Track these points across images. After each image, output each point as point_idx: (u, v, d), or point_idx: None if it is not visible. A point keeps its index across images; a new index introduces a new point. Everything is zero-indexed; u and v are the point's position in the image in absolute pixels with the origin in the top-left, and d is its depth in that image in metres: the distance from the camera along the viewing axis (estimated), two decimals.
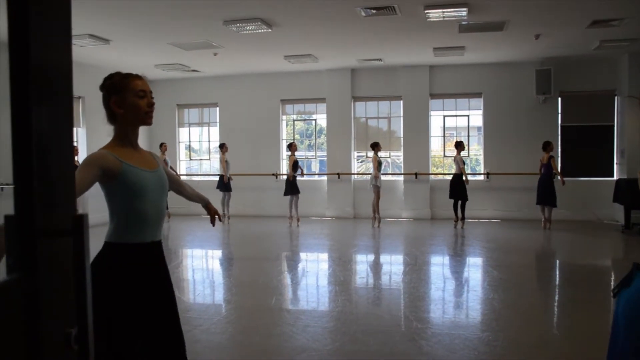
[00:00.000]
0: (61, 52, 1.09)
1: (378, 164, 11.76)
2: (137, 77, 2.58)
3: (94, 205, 12.25)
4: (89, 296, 1.06)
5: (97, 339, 1.95)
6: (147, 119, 2.60)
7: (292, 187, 12.17)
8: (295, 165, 12.14)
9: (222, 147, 12.82)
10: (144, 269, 2.55)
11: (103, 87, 2.56)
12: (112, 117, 2.58)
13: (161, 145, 13.28)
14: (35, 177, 0.99)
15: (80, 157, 11.92)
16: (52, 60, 1.06)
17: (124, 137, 2.58)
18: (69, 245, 1.05)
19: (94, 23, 8.96)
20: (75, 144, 12.08)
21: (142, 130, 14.60)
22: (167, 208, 13.47)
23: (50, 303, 1.04)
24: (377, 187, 11.76)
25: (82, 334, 1.05)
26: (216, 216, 3.48)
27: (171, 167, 13.46)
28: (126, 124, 2.56)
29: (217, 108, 14.90)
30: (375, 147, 11.81)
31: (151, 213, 2.59)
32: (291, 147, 12.23)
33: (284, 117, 14.60)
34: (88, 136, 12.62)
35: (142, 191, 2.53)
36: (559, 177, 11.22)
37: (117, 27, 9.22)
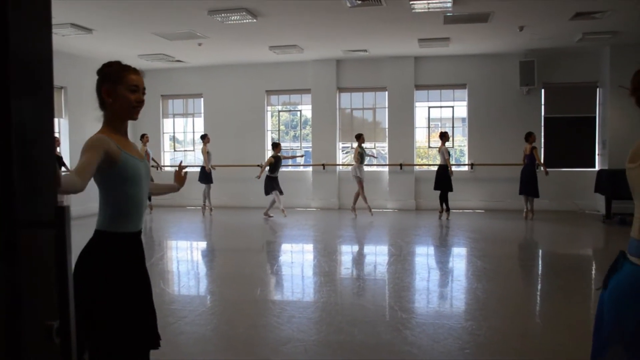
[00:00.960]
0: (41, 40, 1.07)
1: (359, 155, 11.77)
2: (135, 71, 2.61)
3: (76, 196, 12.05)
4: (71, 289, 1.05)
5: (86, 325, 2.08)
6: (133, 114, 2.63)
7: (271, 185, 11.89)
8: (276, 164, 11.80)
9: (204, 138, 12.74)
10: (134, 256, 2.63)
11: (100, 72, 2.62)
12: (102, 104, 2.62)
13: (142, 136, 13.15)
14: (16, 168, 0.98)
15: (63, 149, 11.80)
16: (32, 50, 1.04)
17: (116, 125, 2.60)
18: (51, 237, 1.04)
19: (76, 12, 8.83)
20: (57, 135, 11.95)
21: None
22: (150, 200, 13.47)
23: (31, 296, 1.03)
24: (358, 178, 11.79)
25: (64, 327, 1.04)
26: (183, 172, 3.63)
27: (153, 159, 13.32)
28: (113, 113, 2.59)
29: (202, 99, 14.80)
30: (358, 138, 11.83)
31: (143, 202, 2.65)
32: (276, 147, 11.98)
33: (269, 108, 14.55)
34: (70, 127, 12.47)
35: (137, 180, 2.56)
36: (542, 167, 11.34)
37: (99, 16, 9.10)
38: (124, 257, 2.56)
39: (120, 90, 2.53)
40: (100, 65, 2.65)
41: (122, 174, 2.50)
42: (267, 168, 11.79)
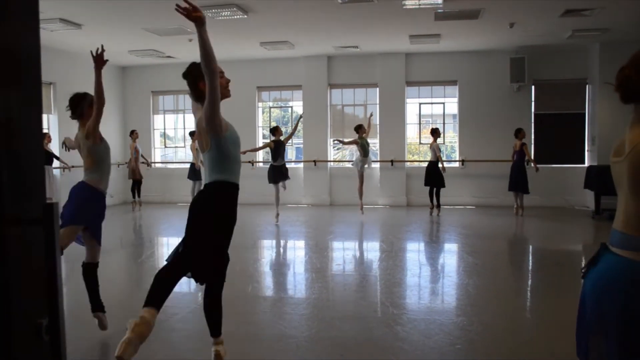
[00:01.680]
0: (28, 35, 1.05)
1: (361, 148, 11.26)
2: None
3: (66, 194, 12.00)
4: (60, 286, 1.04)
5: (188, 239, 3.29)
6: (227, 93, 3.60)
7: (273, 175, 10.83)
8: (277, 150, 10.65)
9: (193, 134, 12.68)
10: (235, 203, 3.46)
11: (194, 71, 3.46)
12: (199, 97, 3.39)
13: (132, 132, 13.09)
14: (3, 165, 0.97)
15: (53, 145, 11.70)
16: (19, 45, 1.03)
17: None
18: (40, 234, 1.03)
19: (65, 7, 8.76)
20: (46, 131, 11.86)
21: (116, 117, 14.36)
22: (140, 196, 13.40)
23: (20, 293, 1.02)
24: (359, 172, 11.35)
25: (54, 325, 1.03)
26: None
27: (142, 156, 13.25)
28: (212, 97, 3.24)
29: None
30: (359, 129, 11.39)
31: (239, 161, 3.50)
32: (276, 131, 10.77)
33: (260, 104, 14.51)
34: (60, 123, 12.38)
35: (238, 142, 3.44)
36: (532, 164, 11.39)
37: (88, 11, 9.03)
38: (234, 199, 3.42)
39: (213, 80, 3.21)
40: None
41: (230, 138, 3.33)
42: (271, 156, 10.83)
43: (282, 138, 10.81)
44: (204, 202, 3.35)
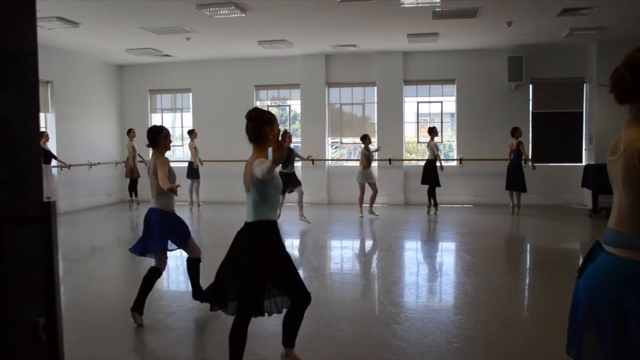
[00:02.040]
0: (25, 34, 1.05)
1: (366, 159, 11.06)
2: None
3: (63, 192, 11.94)
4: (58, 285, 1.04)
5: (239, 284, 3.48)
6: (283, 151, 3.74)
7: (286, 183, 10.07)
8: (287, 157, 9.74)
9: (191, 133, 12.66)
10: (278, 238, 3.73)
11: (257, 119, 3.66)
12: (258, 139, 3.65)
13: (129, 131, 13.07)
14: (0, 164, 0.96)
15: (51, 144, 11.68)
16: (16, 43, 1.03)
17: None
18: (37, 232, 1.03)
19: (62, 5, 8.73)
20: (44, 129, 11.84)
21: (114, 116, 14.31)
22: (137, 195, 13.36)
23: (18, 292, 1.02)
24: (360, 184, 11.23)
25: (51, 323, 1.03)
26: None
27: (139, 155, 13.22)
28: (268, 144, 3.64)
29: (190, 94, 14.72)
30: (364, 139, 11.22)
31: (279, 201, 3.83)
32: (285, 136, 10.76)
33: (258, 102, 14.49)
34: (57, 122, 12.36)
35: (280, 187, 3.71)
36: (529, 162, 11.41)
37: (86, 9, 9.00)
38: (277, 236, 3.70)
39: (275, 128, 3.65)
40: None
41: (274, 182, 3.62)
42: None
43: (293, 148, 10.53)
44: (252, 243, 3.60)
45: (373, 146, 12.23)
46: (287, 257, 3.76)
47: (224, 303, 3.70)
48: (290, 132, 10.74)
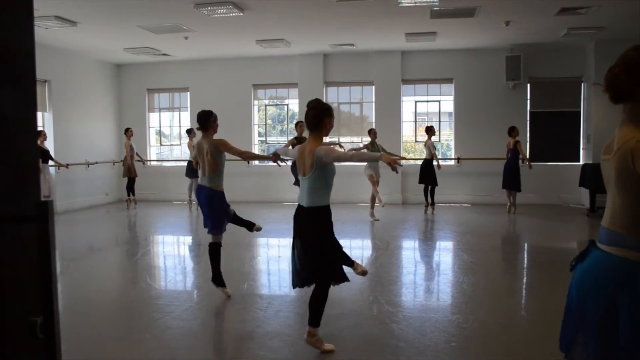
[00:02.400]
0: (23, 33, 1.05)
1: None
2: None
3: (61, 191, 11.92)
4: (55, 284, 1.04)
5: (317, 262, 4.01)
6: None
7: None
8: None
9: (190, 132, 12.64)
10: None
11: (318, 109, 4.14)
12: (317, 128, 4.09)
13: (126, 130, 13.06)
14: None
15: (48, 143, 11.66)
16: (13, 42, 1.02)
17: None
18: (34, 232, 1.03)
19: (60, 4, 8.72)
20: (42, 129, 11.82)
21: (112, 115, 14.28)
22: (134, 194, 13.34)
23: (15, 291, 1.02)
24: (370, 176, 10.86)
25: (48, 323, 1.03)
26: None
27: (137, 154, 13.20)
28: (324, 133, 4.13)
29: (188, 93, 14.71)
30: (369, 133, 11.09)
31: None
32: (298, 127, 10.58)
33: (256, 102, 14.49)
34: (55, 121, 12.34)
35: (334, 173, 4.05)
36: (526, 162, 11.42)
37: (84, 8, 8.99)
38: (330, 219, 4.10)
39: (332, 121, 4.16)
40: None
41: (332, 169, 4.02)
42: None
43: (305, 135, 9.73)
44: (320, 225, 4.03)
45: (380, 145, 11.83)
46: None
47: (305, 283, 4.13)
48: (303, 122, 10.33)
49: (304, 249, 4.03)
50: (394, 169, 3.78)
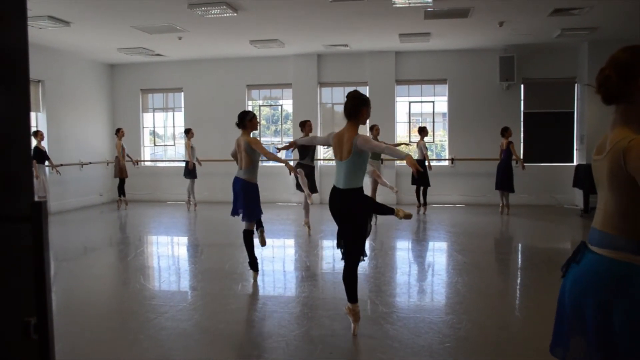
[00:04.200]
0: (16, 33, 1.05)
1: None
2: None
3: (54, 192, 11.86)
4: (49, 284, 1.03)
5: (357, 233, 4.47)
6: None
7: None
8: (307, 147, 9.14)
9: (188, 132, 12.62)
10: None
11: (358, 98, 4.61)
12: (356, 116, 4.52)
13: (117, 130, 13.02)
14: None
15: (45, 143, 11.60)
16: (6, 42, 1.02)
17: None
18: (28, 232, 1.02)
19: (53, 4, 8.69)
20: (39, 129, 11.79)
21: (105, 115, 14.22)
22: (124, 195, 13.31)
23: (8, 292, 1.01)
24: (374, 173, 10.56)
25: (42, 323, 1.02)
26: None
27: (128, 155, 13.15)
28: (361, 121, 4.65)
29: (182, 93, 14.68)
30: (372, 130, 10.84)
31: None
32: (304, 126, 9.45)
33: (250, 102, 14.48)
34: (48, 121, 12.30)
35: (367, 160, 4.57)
36: (519, 162, 11.45)
37: (77, 8, 8.96)
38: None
39: (369, 112, 4.69)
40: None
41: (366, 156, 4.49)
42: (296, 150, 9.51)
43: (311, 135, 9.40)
44: (357, 205, 4.43)
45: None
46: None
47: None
48: (311, 121, 9.61)
49: (347, 227, 4.50)
50: (414, 173, 4.07)
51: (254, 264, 6.26)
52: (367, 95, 13.44)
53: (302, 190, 9.02)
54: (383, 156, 13.31)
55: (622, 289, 2.01)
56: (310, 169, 9.20)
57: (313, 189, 9.23)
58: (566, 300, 2.25)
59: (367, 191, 11.38)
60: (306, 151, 9.15)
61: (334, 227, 10.00)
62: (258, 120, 6.22)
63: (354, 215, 4.42)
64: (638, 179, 1.94)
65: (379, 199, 12.93)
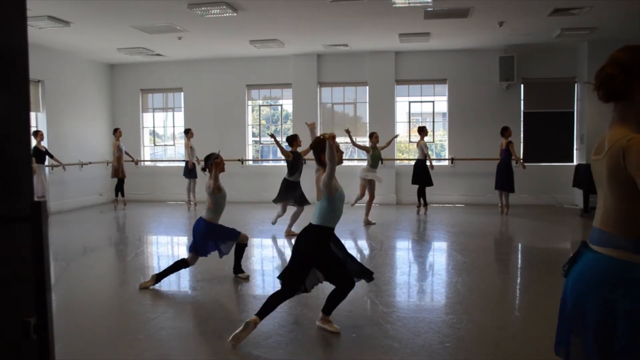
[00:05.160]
0: (15, 33, 1.05)
1: (371, 158, 10.52)
2: None
3: (54, 192, 11.85)
4: (49, 284, 1.03)
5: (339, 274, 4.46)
6: (341, 159, 4.69)
7: (285, 192, 9.41)
8: (295, 163, 9.31)
9: (188, 132, 12.63)
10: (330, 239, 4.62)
11: (319, 146, 4.52)
12: (321, 164, 4.58)
13: (115, 130, 13.02)
14: None
15: (45, 143, 11.60)
16: (6, 42, 1.02)
17: None
18: (28, 232, 1.02)
19: (53, 4, 8.69)
20: (39, 129, 11.78)
21: (105, 115, 14.23)
22: (123, 195, 13.31)
23: (8, 292, 1.01)
24: (369, 181, 10.54)
25: (42, 324, 1.02)
26: None
27: (126, 153, 13.15)
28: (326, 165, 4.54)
29: (182, 93, 14.68)
30: (371, 138, 10.82)
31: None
32: (294, 141, 9.42)
33: (250, 102, 14.48)
34: (48, 121, 12.30)
35: (344, 199, 4.62)
36: (518, 162, 11.44)
37: (77, 8, 8.96)
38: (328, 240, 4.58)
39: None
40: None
41: (339, 197, 4.61)
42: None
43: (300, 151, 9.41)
44: (310, 241, 4.44)
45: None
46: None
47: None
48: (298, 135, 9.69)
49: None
50: (330, 141, 4.31)
51: (159, 277, 6.00)
52: (367, 95, 13.59)
53: (280, 202, 9.42)
54: (383, 156, 13.35)
55: (623, 288, 2.01)
56: (297, 184, 9.32)
57: (304, 202, 9.43)
58: (567, 298, 2.25)
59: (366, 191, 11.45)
60: (296, 166, 9.21)
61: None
62: (223, 162, 6.15)
63: (298, 246, 4.50)
64: (637, 177, 1.94)
65: (378, 198, 12.95)
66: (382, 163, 11.14)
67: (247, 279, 6.36)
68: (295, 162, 9.18)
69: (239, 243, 6.43)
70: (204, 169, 6.29)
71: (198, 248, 6.04)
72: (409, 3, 8.72)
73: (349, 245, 8.87)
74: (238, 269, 6.48)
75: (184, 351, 4.24)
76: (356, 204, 10.95)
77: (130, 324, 4.87)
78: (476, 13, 9.44)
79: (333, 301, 4.53)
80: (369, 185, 10.60)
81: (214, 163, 5.98)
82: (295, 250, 4.53)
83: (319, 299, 5.54)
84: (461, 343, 4.31)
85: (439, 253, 8.31)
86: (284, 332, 4.57)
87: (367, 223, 10.42)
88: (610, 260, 2.06)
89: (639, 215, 2.02)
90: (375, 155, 10.58)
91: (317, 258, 4.43)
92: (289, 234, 9.33)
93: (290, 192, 9.28)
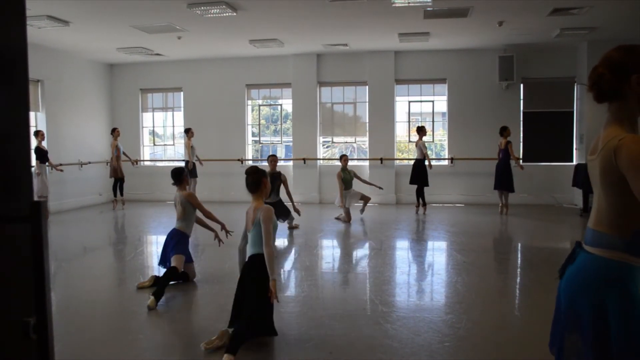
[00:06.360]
0: (15, 32, 1.05)
1: (342, 180, 10.59)
2: None
3: (54, 192, 11.86)
4: (48, 284, 1.03)
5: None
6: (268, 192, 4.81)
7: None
8: (272, 183, 9.15)
9: (188, 132, 12.63)
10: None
11: (257, 174, 4.62)
12: (262, 191, 4.66)
13: (113, 130, 13.01)
14: None
15: (45, 142, 11.60)
16: (5, 42, 1.02)
17: None
18: (27, 232, 1.02)
19: (53, 4, 8.68)
20: (40, 129, 11.78)
21: (105, 115, 14.20)
22: (122, 195, 13.30)
23: (7, 292, 1.01)
24: (345, 209, 10.55)
25: (41, 323, 1.02)
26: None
27: (124, 153, 13.15)
28: (267, 192, 4.77)
29: (182, 93, 14.68)
30: (341, 159, 10.93)
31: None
32: (272, 162, 9.77)
33: (250, 102, 14.48)
34: (48, 121, 12.29)
35: (276, 228, 4.66)
36: (517, 162, 11.44)
37: (76, 8, 8.95)
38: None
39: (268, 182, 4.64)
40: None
41: (274, 229, 4.59)
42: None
43: (278, 172, 9.72)
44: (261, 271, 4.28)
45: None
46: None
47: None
48: (276, 155, 10.01)
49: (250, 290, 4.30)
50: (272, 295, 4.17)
51: (158, 294, 5.37)
52: (367, 94, 13.59)
53: (282, 222, 9.58)
54: (383, 156, 13.35)
55: (616, 288, 2.01)
56: (275, 202, 9.28)
57: (287, 215, 9.70)
58: (561, 299, 2.26)
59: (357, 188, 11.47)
60: (272, 186, 8.87)
61: (333, 228, 10.03)
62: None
63: (255, 280, 4.28)
64: (628, 176, 1.94)
65: (378, 198, 12.95)
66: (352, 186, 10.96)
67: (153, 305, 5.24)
68: (271, 182, 8.61)
69: (183, 271, 6.05)
70: (174, 184, 6.40)
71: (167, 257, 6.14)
72: (409, 3, 8.72)
73: (348, 244, 8.88)
74: (159, 293, 5.37)
75: (183, 351, 4.24)
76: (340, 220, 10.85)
77: (130, 324, 4.87)
78: (476, 13, 9.44)
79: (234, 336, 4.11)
80: (355, 198, 10.75)
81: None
82: (253, 281, 4.30)
83: (317, 299, 5.55)
84: (461, 343, 4.31)
85: (439, 253, 8.31)
86: (285, 331, 4.56)
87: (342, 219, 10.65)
88: (603, 260, 2.07)
89: (631, 215, 2.02)
90: (347, 179, 10.68)
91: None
92: (290, 227, 9.89)
93: (277, 208, 9.11)
